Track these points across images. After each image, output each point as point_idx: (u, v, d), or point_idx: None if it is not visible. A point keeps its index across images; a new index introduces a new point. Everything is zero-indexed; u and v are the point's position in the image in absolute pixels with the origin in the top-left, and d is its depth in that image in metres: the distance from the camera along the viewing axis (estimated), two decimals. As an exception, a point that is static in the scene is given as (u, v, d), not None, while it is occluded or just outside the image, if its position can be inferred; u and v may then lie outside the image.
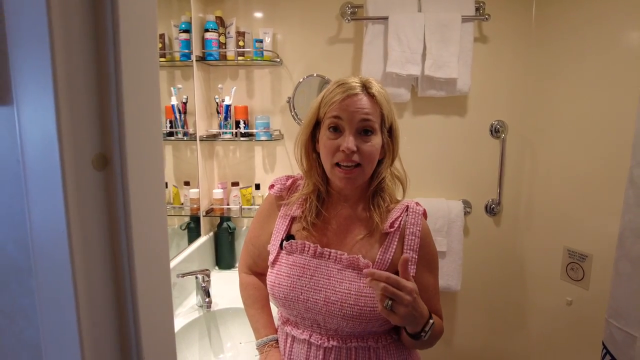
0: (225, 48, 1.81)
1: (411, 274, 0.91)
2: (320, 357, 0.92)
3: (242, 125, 1.84)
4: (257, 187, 1.93)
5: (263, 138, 1.85)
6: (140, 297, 0.46)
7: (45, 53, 0.39)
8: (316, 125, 0.96)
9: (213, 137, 1.86)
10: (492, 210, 1.92)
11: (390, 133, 0.95)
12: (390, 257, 0.92)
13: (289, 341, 0.98)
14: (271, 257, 0.99)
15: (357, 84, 0.91)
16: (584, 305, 1.68)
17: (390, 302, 0.79)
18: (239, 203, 1.90)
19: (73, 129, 0.41)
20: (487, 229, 1.95)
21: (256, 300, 1.09)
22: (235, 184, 1.92)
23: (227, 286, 1.71)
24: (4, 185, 0.46)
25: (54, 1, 0.38)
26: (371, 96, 0.91)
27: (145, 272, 0.47)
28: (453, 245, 1.83)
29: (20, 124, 0.42)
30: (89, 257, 0.44)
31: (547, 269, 1.82)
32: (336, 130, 0.90)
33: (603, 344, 1.18)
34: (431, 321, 0.86)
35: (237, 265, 1.94)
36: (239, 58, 1.82)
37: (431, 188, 1.91)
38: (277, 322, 1.07)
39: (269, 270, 0.99)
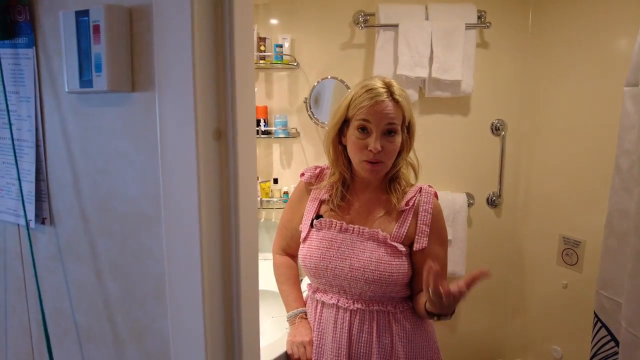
0: (247, 52, 1.96)
1: (424, 246, 1.06)
2: (347, 318, 1.06)
3: (262, 123, 1.98)
4: (275, 181, 2.07)
5: (281, 136, 2.00)
6: (242, 234, 0.61)
7: (188, 57, 0.54)
8: (343, 122, 1.09)
9: (235, 135, 2.00)
10: (493, 202, 2.08)
11: (409, 130, 1.09)
12: (405, 231, 1.07)
13: (318, 307, 1.12)
14: (303, 235, 1.14)
15: (383, 90, 1.02)
16: (578, 287, 1.83)
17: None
18: (259, 196, 2.04)
19: (203, 109, 0.56)
20: (488, 220, 2.10)
21: (288, 277, 1.23)
22: (254, 178, 2.06)
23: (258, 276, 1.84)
24: (140, 153, 0.61)
25: (195, 15, 0.53)
26: (395, 102, 1.03)
27: (244, 214, 0.61)
28: (458, 234, 1.98)
29: (159, 104, 0.57)
30: (209, 207, 0.58)
31: (544, 256, 1.97)
32: (364, 130, 1.03)
33: (595, 313, 1.33)
34: (450, 317, 0.98)
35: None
36: (260, 62, 1.96)
37: (437, 181, 2.04)
38: (305, 297, 1.21)
39: (301, 245, 1.13)
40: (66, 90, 0.61)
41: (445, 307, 0.91)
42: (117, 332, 0.67)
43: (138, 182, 0.62)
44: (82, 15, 0.57)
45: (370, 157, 1.02)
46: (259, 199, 2.02)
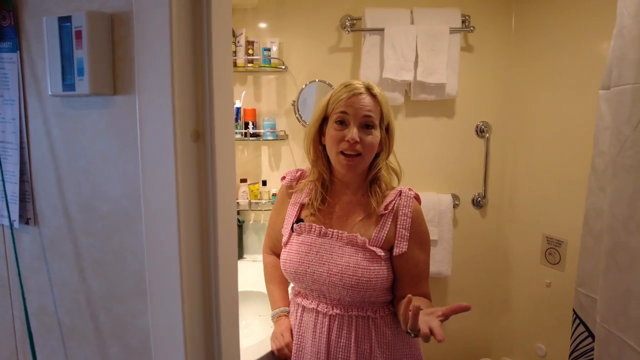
0: (236, 56, 1.99)
1: (403, 250, 1.05)
2: (326, 323, 1.06)
3: (250, 126, 2.00)
4: (264, 183, 2.09)
5: (269, 138, 2.02)
6: (220, 233, 0.63)
7: (166, 61, 0.56)
8: (323, 121, 1.11)
9: (224, 137, 2.02)
10: (478, 203, 2.12)
11: (388, 130, 1.10)
12: (385, 235, 1.06)
13: (299, 311, 1.13)
14: (284, 239, 1.14)
15: (361, 86, 1.06)
16: (561, 285, 1.87)
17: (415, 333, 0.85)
18: (247, 198, 2.05)
19: (181, 111, 0.58)
20: (474, 220, 2.14)
21: (274, 277, 1.24)
22: (243, 180, 2.08)
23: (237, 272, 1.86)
24: (122, 154, 0.63)
25: (174, 21, 0.55)
26: (373, 96, 1.06)
27: (222, 213, 0.63)
28: (444, 235, 2.01)
29: (139, 107, 0.59)
30: (188, 206, 0.60)
31: (528, 255, 2.01)
32: (342, 123, 1.04)
33: (573, 310, 1.36)
34: None
35: (245, 256, 2.10)
36: (249, 65, 1.99)
37: (423, 183, 2.10)
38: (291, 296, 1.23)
39: (282, 250, 1.14)
40: (49, 93, 0.63)
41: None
42: (100, 329, 0.69)
43: (120, 182, 0.64)
44: (64, 21, 0.59)
45: (346, 147, 1.03)
46: (247, 200, 2.04)
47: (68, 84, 0.60)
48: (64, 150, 0.67)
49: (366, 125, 1.05)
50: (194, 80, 0.60)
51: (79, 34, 0.58)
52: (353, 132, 1.02)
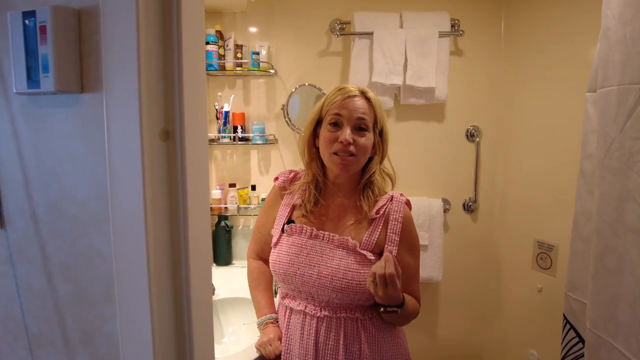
0: (225, 59, 1.97)
1: (393, 254, 1.05)
2: (314, 325, 1.05)
3: (239, 130, 1.98)
4: (253, 188, 2.07)
5: (259, 142, 2.00)
6: (191, 235, 0.61)
7: (133, 57, 0.54)
8: (317, 123, 1.12)
9: (212, 142, 2.00)
10: (469, 207, 2.10)
11: (381, 135, 1.11)
12: (375, 239, 1.07)
13: (287, 313, 1.11)
14: (274, 240, 1.13)
15: (355, 89, 1.08)
16: (552, 290, 1.85)
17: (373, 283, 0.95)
18: (236, 203, 2.03)
19: (149, 109, 0.56)
20: (465, 225, 2.12)
21: (259, 283, 1.22)
22: (232, 185, 2.05)
23: (225, 279, 1.83)
24: (90, 154, 0.61)
25: (141, 17, 0.54)
26: (367, 99, 1.08)
27: (193, 215, 0.61)
28: (434, 240, 1.99)
29: (106, 105, 0.57)
30: (156, 207, 0.58)
31: (520, 260, 1.99)
32: (336, 125, 1.06)
33: (564, 315, 1.34)
34: (397, 310, 1.01)
35: (234, 262, 2.07)
36: (237, 69, 1.97)
37: (413, 187, 2.08)
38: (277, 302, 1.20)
39: (272, 250, 1.13)
40: (14, 91, 0.61)
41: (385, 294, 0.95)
42: (68, 336, 0.66)
43: (88, 183, 0.61)
44: (29, 16, 0.57)
45: (339, 148, 1.04)
46: (236, 205, 2.01)
47: (33, 81, 0.58)
48: (32, 150, 0.65)
49: (360, 128, 1.06)
50: (163, 77, 0.58)
51: (43, 29, 0.56)
52: (346, 134, 1.03)
